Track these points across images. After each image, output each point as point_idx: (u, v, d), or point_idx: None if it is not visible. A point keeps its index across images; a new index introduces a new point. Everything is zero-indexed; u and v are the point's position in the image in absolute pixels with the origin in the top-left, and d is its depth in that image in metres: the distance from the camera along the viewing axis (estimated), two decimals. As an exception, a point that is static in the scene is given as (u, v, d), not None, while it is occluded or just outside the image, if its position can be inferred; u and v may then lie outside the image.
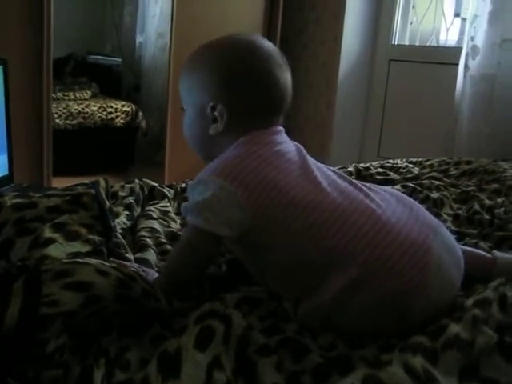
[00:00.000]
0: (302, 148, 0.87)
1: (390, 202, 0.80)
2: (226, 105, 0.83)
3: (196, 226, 0.78)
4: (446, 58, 2.69)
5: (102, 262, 0.71)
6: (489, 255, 0.91)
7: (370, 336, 0.72)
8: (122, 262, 0.88)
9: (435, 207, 1.32)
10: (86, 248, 0.84)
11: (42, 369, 0.57)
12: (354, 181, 0.84)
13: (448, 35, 2.90)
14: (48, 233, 0.86)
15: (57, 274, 0.64)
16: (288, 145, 0.85)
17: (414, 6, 2.96)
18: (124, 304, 0.66)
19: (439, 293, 0.73)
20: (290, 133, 0.89)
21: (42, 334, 0.59)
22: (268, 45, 0.87)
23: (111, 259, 0.88)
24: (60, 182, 1.88)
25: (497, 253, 0.91)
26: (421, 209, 0.83)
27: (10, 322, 0.57)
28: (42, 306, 0.60)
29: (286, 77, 0.86)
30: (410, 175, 1.63)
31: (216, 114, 0.83)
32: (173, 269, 0.82)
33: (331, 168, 0.88)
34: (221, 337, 0.62)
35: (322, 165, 0.86)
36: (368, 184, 0.86)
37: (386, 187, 0.90)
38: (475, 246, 1.05)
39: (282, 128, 0.88)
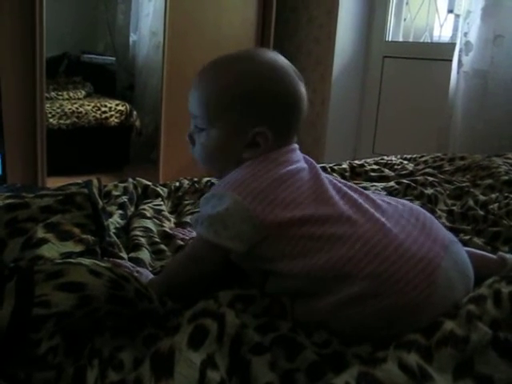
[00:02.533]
0: (315, 164, 0.87)
1: (401, 215, 0.79)
2: (269, 130, 0.82)
3: (205, 238, 0.78)
4: (439, 54, 2.70)
5: (96, 262, 0.70)
6: (494, 256, 0.90)
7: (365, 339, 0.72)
8: (116, 260, 0.88)
9: (429, 203, 1.32)
10: (79, 248, 0.84)
11: (34, 370, 0.57)
12: (365, 192, 0.83)
13: (441, 31, 2.90)
14: (41, 233, 0.85)
15: (49, 275, 0.63)
16: (302, 163, 0.85)
17: (407, 3, 2.97)
18: (117, 305, 0.66)
19: (441, 310, 0.71)
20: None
21: (34, 335, 0.59)
22: (286, 62, 0.87)
23: (105, 259, 0.88)
24: (54, 182, 1.88)
25: (504, 254, 0.90)
26: (435, 224, 0.81)
27: (2, 323, 0.57)
28: (34, 307, 0.60)
29: (305, 93, 0.87)
30: (404, 172, 1.64)
31: (259, 139, 0.82)
32: (174, 277, 0.82)
33: (341, 180, 0.88)
34: (214, 336, 0.62)
35: (331, 177, 0.86)
36: (379, 195, 0.85)
37: (400, 199, 0.89)
38: (469, 241, 1.05)
39: (296, 146, 0.88)
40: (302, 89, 0.87)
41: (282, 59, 0.87)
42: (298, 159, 0.85)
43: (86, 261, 0.69)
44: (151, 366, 0.56)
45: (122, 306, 0.67)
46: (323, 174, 0.85)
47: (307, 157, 0.88)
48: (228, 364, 0.61)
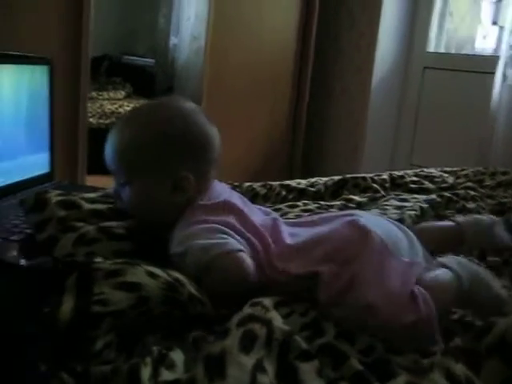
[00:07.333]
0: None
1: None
2: (190, 172, 0.87)
3: (217, 253, 0.78)
4: (482, 66, 2.66)
5: (151, 263, 0.72)
6: (450, 222, 0.99)
7: None
8: None
9: (471, 218, 1.31)
10: (131, 247, 0.86)
11: (91, 365, 0.59)
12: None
13: (485, 43, 2.86)
14: (92, 232, 0.87)
15: (108, 274, 0.66)
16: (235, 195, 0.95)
17: (451, 14, 2.93)
18: (171, 307, 0.68)
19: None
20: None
21: (92, 331, 0.61)
22: (194, 106, 0.93)
23: None
24: (93, 181, 1.92)
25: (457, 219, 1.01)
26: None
27: (64, 318, 0.59)
28: (93, 305, 0.62)
29: (216, 132, 0.92)
30: (444, 185, 1.62)
31: (183, 183, 0.86)
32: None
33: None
34: (263, 340, 0.63)
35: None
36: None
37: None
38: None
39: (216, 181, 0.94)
40: (213, 128, 0.91)
41: (188, 104, 0.92)
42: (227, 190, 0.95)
43: (143, 262, 0.71)
44: (204, 368, 0.58)
45: (176, 309, 0.68)
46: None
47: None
48: (276, 369, 0.62)
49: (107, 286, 0.64)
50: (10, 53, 1.32)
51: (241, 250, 0.79)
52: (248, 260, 0.79)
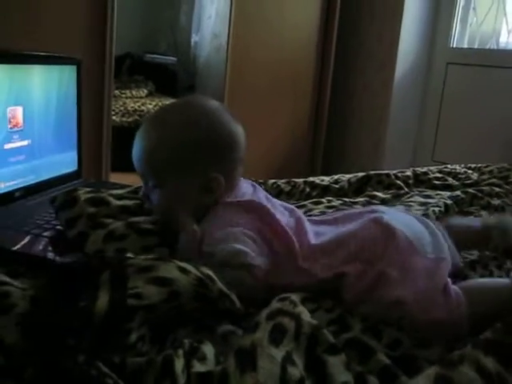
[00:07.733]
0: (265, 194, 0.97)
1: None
2: (220, 173, 0.87)
3: (240, 262, 0.80)
4: (506, 61, 2.63)
5: (182, 260, 0.73)
6: (478, 225, 1.00)
7: None
8: None
9: (496, 214, 1.30)
10: (157, 241, 0.88)
11: (127, 357, 0.61)
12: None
13: (509, 37, 2.83)
14: (121, 228, 0.89)
15: (141, 269, 0.67)
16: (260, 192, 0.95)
17: (474, 8, 2.90)
18: (201, 303, 0.70)
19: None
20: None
21: (127, 324, 0.63)
22: (218, 104, 0.94)
23: None
24: (117, 178, 1.95)
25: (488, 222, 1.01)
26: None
27: (100, 311, 0.61)
28: (128, 298, 0.64)
29: (241, 130, 0.93)
30: (468, 181, 1.62)
31: (212, 185, 0.87)
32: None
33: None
34: (292, 334, 0.65)
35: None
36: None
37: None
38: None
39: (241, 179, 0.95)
40: (238, 126, 0.91)
41: (212, 102, 0.93)
42: (255, 188, 0.95)
43: (174, 259, 0.73)
44: (236, 360, 0.59)
45: (206, 305, 0.70)
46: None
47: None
48: (305, 362, 0.63)
49: (140, 281, 0.66)
50: (40, 53, 1.35)
51: (257, 265, 0.80)
52: (259, 275, 0.81)
